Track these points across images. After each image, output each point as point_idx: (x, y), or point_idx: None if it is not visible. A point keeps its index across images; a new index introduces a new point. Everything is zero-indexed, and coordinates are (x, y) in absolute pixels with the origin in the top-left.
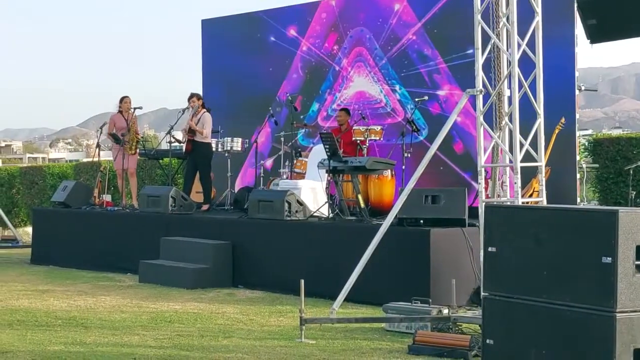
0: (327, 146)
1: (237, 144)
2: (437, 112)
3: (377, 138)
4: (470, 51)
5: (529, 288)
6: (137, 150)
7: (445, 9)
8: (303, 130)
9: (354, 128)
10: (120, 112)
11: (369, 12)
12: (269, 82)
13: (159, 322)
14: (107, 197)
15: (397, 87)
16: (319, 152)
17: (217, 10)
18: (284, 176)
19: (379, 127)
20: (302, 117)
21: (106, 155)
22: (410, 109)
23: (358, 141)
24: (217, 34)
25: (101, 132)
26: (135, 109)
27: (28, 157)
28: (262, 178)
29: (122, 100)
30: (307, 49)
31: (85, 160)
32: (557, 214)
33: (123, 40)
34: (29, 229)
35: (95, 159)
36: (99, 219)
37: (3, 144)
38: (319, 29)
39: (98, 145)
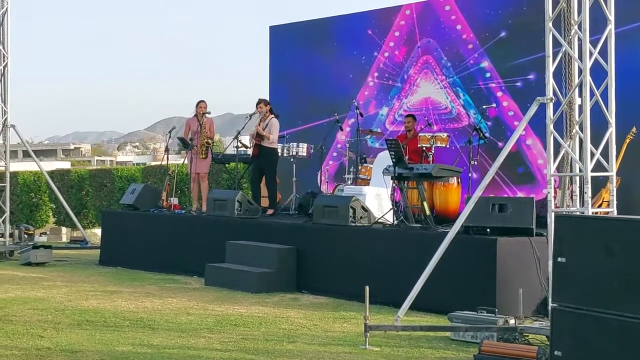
0: (393, 153)
1: (302, 149)
2: (501, 120)
3: (443, 145)
4: (532, 77)
5: (599, 300)
6: (208, 155)
7: (508, 33)
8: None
9: (419, 135)
10: (195, 115)
11: (435, 27)
12: (335, 88)
13: (224, 325)
14: (175, 200)
15: (461, 94)
16: (384, 158)
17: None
18: (349, 182)
19: (445, 134)
20: (372, 122)
21: (174, 159)
22: (473, 114)
23: (424, 148)
24: (285, 40)
25: (170, 136)
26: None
27: (96, 160)
28: (327, 183)
29: (197, 104)
30: (375, 56)
31: (152, 163)
32: (630, 225)
33: (190, 46)
34: (98, 231)
35: (164, 163)
36: (167, 221)
37: (72, 147)
38: (388, 37)
39: (167, 149)
